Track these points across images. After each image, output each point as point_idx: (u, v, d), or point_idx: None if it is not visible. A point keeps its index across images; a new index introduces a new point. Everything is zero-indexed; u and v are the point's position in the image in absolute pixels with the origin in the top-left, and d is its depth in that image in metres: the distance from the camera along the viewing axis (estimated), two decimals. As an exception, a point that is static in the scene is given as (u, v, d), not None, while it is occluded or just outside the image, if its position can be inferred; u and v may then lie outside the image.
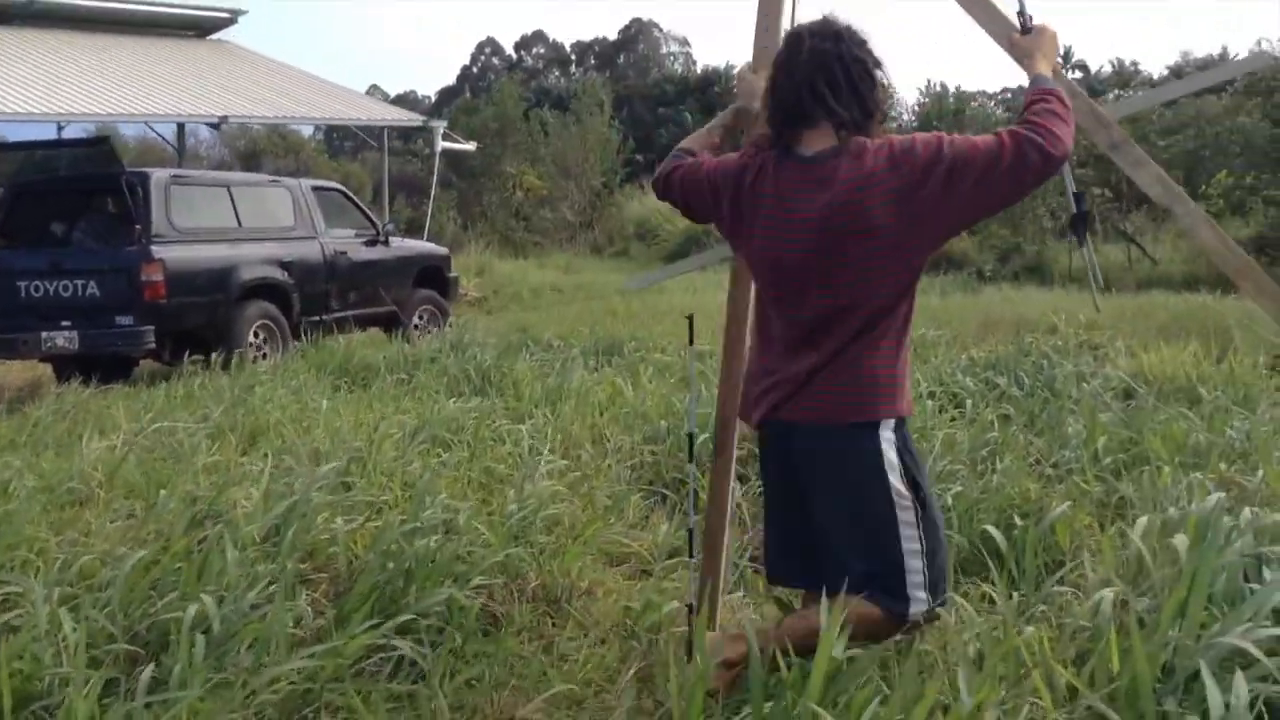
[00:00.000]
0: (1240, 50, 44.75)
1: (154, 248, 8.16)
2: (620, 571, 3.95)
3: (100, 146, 9.46)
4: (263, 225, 9.34)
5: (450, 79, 61.85)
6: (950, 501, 3.73)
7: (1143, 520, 2.81)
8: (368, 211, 10.54)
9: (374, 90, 55.29)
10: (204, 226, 8.79)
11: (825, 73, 2.41)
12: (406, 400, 5.90)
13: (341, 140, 42.37)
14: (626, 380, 6.31)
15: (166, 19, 19.07)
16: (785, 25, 2.86)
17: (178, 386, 6.63)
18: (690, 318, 3.17)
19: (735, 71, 2.90)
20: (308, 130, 34.21)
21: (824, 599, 2.29)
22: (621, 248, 23.37)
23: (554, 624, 3.36)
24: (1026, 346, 7.00)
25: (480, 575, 3.35)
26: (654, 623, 3.19)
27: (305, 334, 8.98)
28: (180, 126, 17.42)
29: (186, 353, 7.92)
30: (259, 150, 30.27)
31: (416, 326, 10.41)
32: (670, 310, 11.57)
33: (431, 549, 3.24)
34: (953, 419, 5.24)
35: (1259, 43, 37.04)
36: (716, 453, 3.13)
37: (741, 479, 4.75)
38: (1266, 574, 2.54)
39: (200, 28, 19.86)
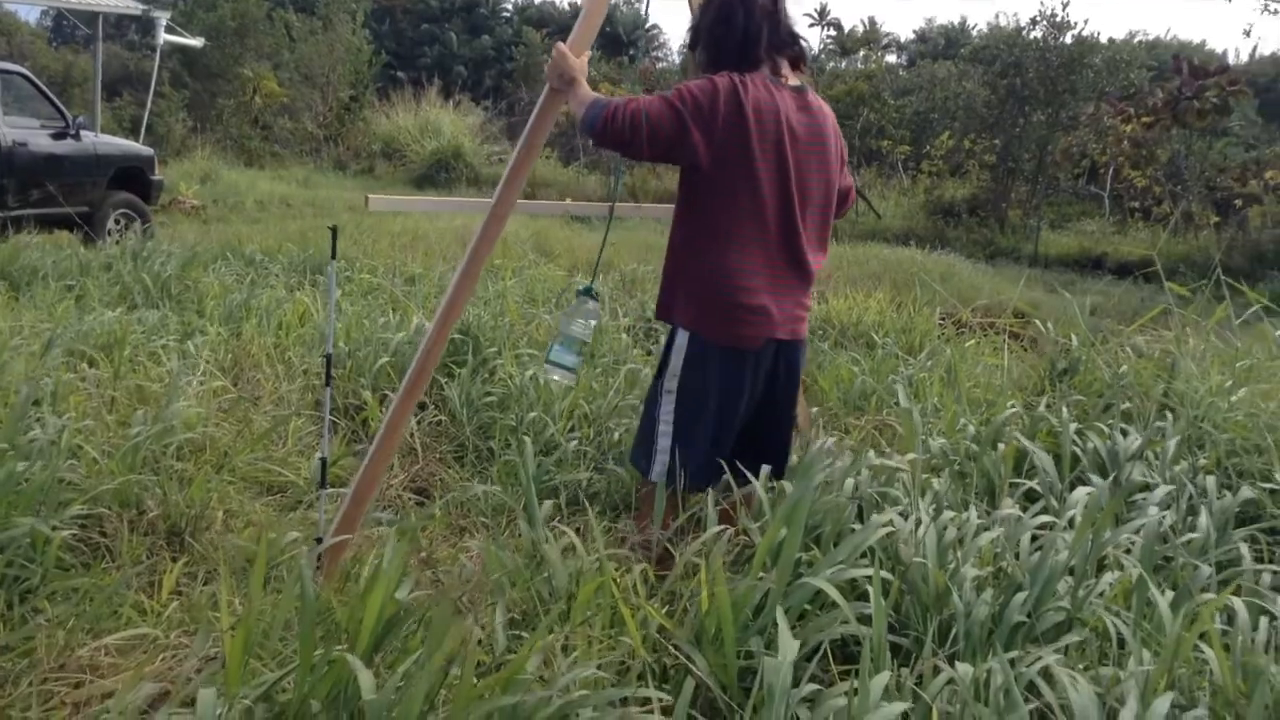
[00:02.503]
0: (979, 21, 47.53)
1: None
2: (273, 501, 3.69)
3: None
4: (-78, 108, 8.17)
5: (196, -31, 57.01)
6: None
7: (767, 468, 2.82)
8: (56, 101, 9.42)
9: (108, -27, 50.38)
10: None
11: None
12: (61, 309, 5.30)
13: (73, 28, 38.39)
14: (319, 300, 5.94)
15: None
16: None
17: None
18: (333, 229, 2.92)
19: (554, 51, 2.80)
20: (31, 14, 30.69)
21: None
22: (367, 165, 22.33)
23: (171, 559, 3.06)
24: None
25: (84, 504, 3.01)
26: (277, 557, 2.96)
27: (-28, 232, 7.95)
28: None
29: None
30: (-34, 32, 26.97)
31: (111, 231, 9.46)
32: (402, 232, 11.12)
33: (16, 474, 2.86)
34: (648, 352, 5.26)
35: (996, 16, 39.35)
36: (416, 376, 2.94)
37: (421, 405, 4.56)
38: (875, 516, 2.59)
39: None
